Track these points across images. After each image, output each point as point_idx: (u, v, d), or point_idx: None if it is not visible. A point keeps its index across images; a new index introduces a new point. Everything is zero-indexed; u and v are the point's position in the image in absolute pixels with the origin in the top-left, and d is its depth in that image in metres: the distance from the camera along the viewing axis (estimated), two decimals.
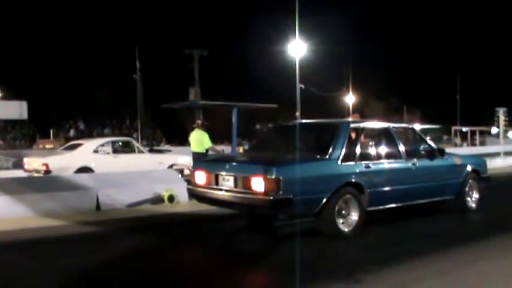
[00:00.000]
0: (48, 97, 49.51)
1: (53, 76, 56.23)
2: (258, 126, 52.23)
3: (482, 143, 50.51)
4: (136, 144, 18.30)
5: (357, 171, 8.77)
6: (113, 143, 17.67)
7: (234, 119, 15.35)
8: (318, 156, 8.69)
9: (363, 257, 7.62)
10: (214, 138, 16.52)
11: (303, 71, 37.05)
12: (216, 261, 7.50)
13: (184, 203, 12.55)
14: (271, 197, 7.78)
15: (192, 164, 14.36)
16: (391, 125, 10.13)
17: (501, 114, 27.28)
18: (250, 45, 75.27)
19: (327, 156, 8.57)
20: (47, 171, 15.34)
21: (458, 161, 10.97)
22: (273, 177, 7.78)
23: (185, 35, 62.92)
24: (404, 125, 11.00)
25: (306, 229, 9.03)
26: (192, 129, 14.95)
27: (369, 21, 79.97)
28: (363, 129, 9.44)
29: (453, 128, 56.25)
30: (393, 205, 9.52)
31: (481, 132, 55.75)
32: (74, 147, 17.51)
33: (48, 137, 41.80)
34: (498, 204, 12.23)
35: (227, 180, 8.61)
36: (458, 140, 53.76)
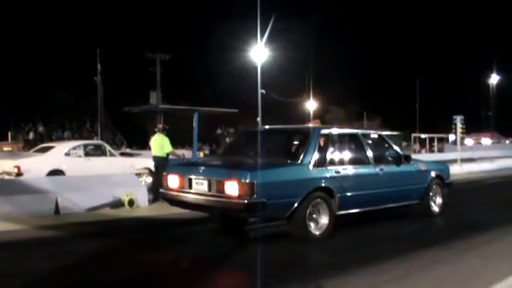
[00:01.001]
0: (6, 98, 48.70)
1: (10, 77, 55.37)
2: (219, 131, 52.30)
3: (440, 150, 51.28)
4: (108, 147, 18.28)
5: (327, 176, 9.02)
6: (85, 146, 17.70)
7: (194, 123, 15.38)
8: (290, 162, 8.94)
9: (326, 262, 7.82)
10: (175, 143, 16.48)
11: (265, 76, 37.14)
12: (177, 265, 7.51)
13: (144, 207, 12.54)
14: (245, 201, 7.97)
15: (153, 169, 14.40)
16: (359, 131, 10.44)
17: (458, 122, 27.79)
18: (212, 49, 75.10)
19: (299, 162, 8.83)
20: (19, 174, 15.29)
21: (423, 167, 11.32)
22: (247, 181, 7.99)
23: (147, 38, 62.57)
24: (372, 131, 11.23)
25: (275, 232, 9.35)
26: (153, 133, 14.91)
27: (329, 28, 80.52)
28: (333, 135, 9.65)
29: (413, 135, 56.96)
30: (361, 209, 9.80)
31: (440, 139, 56.53)
32: (45, 149, 17.46)
33: (6, 139, 41.15)
34: (458, 209, 12.54)
35: (201, 184, 8.75)
36: (417, 147, 54.46)
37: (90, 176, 14.19)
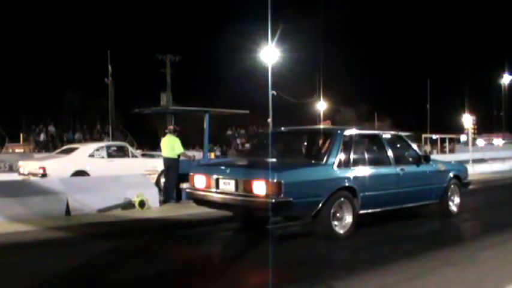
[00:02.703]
0: (17, 100, 48.89)
1: (22, 79, 55.64)
2: (229, 132, 52.31)
3: (451, 151, 51.09)
4: (130, 148, 18.54)
5: (351, 176, 9.23)
6: (108, 147, 17.95)
7: (205, 124, 15.35)
8: (315, 162, 9.20)
9: (338, 261, 7.89)
10: (186, 144, 16.48)
11: (275, 77, 37.13)
12: (188, 265, 7.51)
13: (155, 209, 12.52)
14: (273, 200, 8.15)
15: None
16: (380, 132, 10.64)
17: (470, 122, 27.75)
18: (222, 50, 75.28)
19: (323, 162, 9.06)
20: (44, 175, 15.53)
21: (442, 167, 11.48)
22: (275, 181, 8.19)
23: (157, 39, 62.75)
24: (392, 132, 11.41)
25: (291, 232, 9.68)
26: (164, 134, 14.90)
27: (340, 29, 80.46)
28: (356, 136, 9.86)
29: (423, 136, 56.74)
30: (383, 208, 9.97)
31: (451, 140, 56.31)
32: (69, 151, 17.72)
33: (18, 140, 41.26)
34: (470, 210, 12.55)
35: (228, 184, 8.94)
36: (428, 148, 54.23)
37: (101, 177, 14.25)
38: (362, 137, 10.24)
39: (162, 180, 14.66)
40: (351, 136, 9.69)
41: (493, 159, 33.02)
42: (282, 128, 11.63)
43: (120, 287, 6.48)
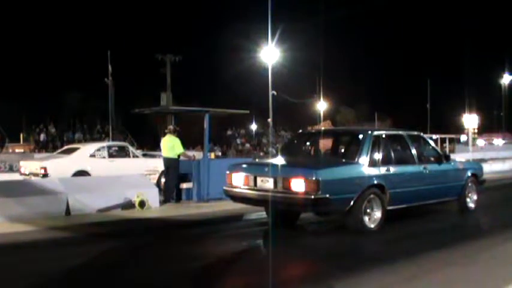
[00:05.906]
0: (18, 100, 48.90)
1: (22, 79, 55.67)
2: (229, 132, 52.31)
3: (451, 151, 51.02)
4: (131, 148, 18.61)
5: (380, 174, 9.76)
6: (109, 147, 17.94)
7: (205, 124, 15.34)
8: (347, 161, 9.81)
9: (340, 261, 7.76)
10: (186, 144, 16.47)
11: (275, 77, 37.12)
12: (189, 265, 7.48)
13: (155, 208, 12.51)
14: (312, 196, 8.68)
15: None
16: (404, 132, 11.08)
17: (474, 123, 27.77)
18: (222, 50, 75.26)
19: (355, 161, 9.61)
20: (45, 175, 15.55)
21: (460, 166, 12.10)
22: (313, 178, 8.71)
23: (157, 39, 62.79)
24: (415, 132, 11.76)
25: (281, 232, 9.36)
26: (164, 134, 14.90)
27: (340, 29, 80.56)
28: (383, 136, 10.35)
29: None
30: (408, 204, 10.45)
31: (451, 140, 56.21)
32: (70, 151, 17.72)
33: (18, 140, 41.26)
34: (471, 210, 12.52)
35: (266, 182, 9.36)
36: None
37: (101, 177, 14.25)
38: (388, 137, 10.67)
39: (163, 180, 14.65)
40: (378, 136, 10.18)
41: (493, 159, 32.97)
42: (312, 130, 12.02)
43: (120, 287, 6.47)
